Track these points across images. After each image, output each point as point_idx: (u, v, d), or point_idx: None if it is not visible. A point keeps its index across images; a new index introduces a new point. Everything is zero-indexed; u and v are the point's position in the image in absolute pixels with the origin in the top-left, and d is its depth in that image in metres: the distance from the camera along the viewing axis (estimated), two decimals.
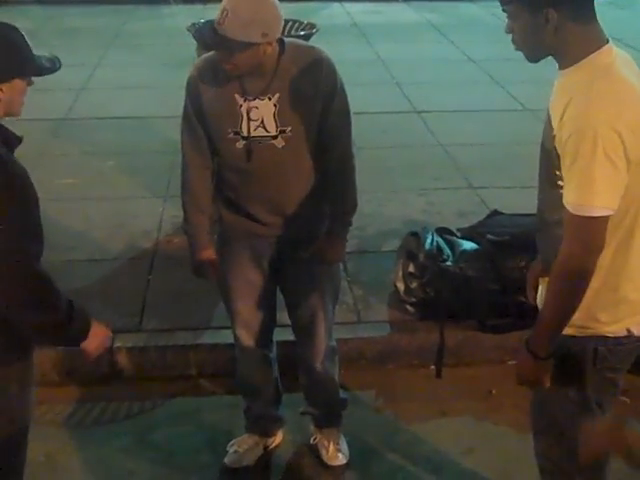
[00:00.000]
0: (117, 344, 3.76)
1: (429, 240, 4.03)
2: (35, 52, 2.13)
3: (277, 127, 2.64)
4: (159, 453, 3.34)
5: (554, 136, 2.02)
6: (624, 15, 10.57)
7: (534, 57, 2.12)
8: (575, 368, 2.20)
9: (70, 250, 4.62)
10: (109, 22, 10.92)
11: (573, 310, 2.07)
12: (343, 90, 2.72)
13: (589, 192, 1.94)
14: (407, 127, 6.78)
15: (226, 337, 3.79)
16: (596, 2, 2.03)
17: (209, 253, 2.88)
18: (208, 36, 2.52)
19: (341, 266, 3.14)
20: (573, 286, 2.04)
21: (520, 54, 2.12)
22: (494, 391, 3.70)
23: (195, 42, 4.79)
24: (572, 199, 1.97)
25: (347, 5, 11.96)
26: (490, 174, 5.74)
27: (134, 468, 3.26)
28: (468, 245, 4.08)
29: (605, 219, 1.97)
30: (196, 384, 3.75)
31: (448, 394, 3.69)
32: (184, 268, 4.40)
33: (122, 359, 3.77)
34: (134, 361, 3.78)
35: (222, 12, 2.47)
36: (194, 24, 4.84)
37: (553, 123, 2.05)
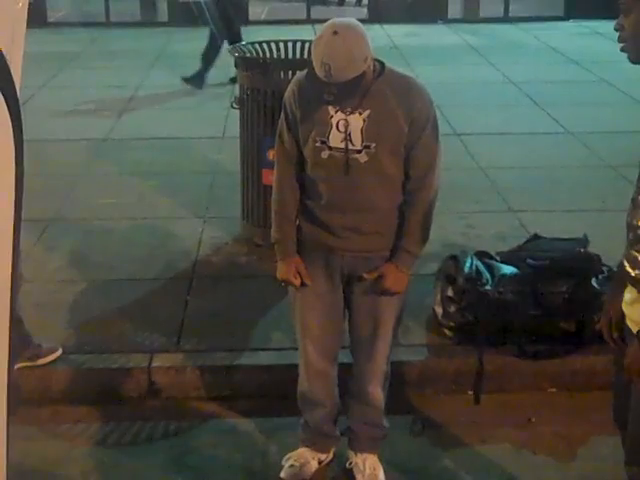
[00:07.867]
0: (155, 364, 3.78)
1: (468, 264, 4.00)
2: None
3: (362, 142, 2.71)
4: (195, 473, 3.33)
5: None
6: None
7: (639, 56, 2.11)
8: None
9: (110, 269, 4.67)
10: (151, 44, 11.09)
11: None
12: (435, 126, 2.80)
13: None
14: (447, 149, 6.59)
15: (264, 359, 3.81)
16: None
17: (296, 260, 2.95)
18: (327, 92, 2.59)
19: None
20: None
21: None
22: (533, 419, 3.64)
23: (235, 64, 4.86)
24: None
25: (387, 27, 12.00)
26: (530, 197, 5.68)
27: None
28: (508, 269, 4.03)
29: None
30: (233, 405, 3.74)
31: (487, 421, 3.64)
32: (223, 289, 4.48)
33: (160, 379, 3.78)
34: (171, 381, 3.79)
35: (323, 66, 2.53)
36: (234, 46, 4.90)
37: None
